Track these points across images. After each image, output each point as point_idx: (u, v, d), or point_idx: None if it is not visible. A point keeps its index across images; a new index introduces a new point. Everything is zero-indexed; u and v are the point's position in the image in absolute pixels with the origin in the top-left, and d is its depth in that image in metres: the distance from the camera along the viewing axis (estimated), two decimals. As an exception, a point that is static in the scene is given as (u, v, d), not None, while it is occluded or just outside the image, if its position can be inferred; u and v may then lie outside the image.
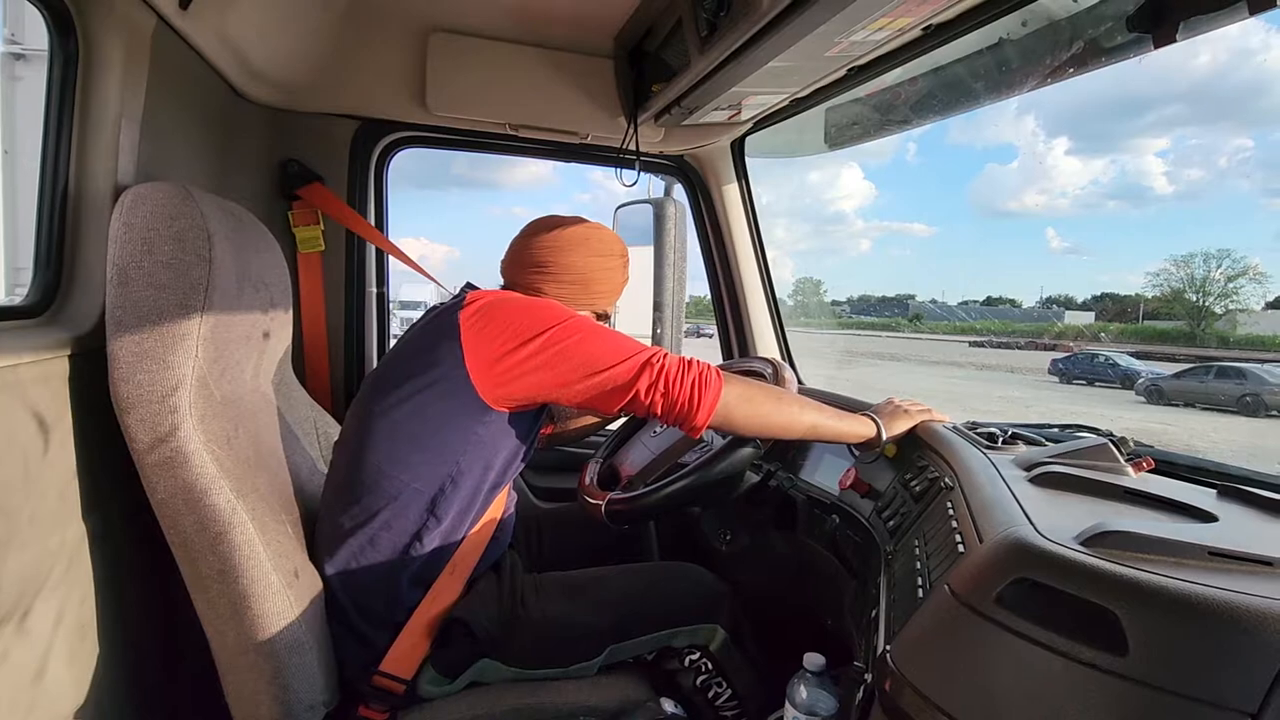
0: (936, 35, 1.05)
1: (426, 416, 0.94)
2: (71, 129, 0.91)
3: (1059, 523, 0.63)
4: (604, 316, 1.17)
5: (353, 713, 0.94)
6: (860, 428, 1.07)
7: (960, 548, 0.69)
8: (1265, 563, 0.54)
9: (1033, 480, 0.80)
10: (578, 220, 1.13)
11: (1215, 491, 0.78)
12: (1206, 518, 0.67)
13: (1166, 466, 0.90)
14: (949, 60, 1.21)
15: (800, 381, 1.70)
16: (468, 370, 0.92)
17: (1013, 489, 0.75)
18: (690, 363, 0.97)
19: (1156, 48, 0.83)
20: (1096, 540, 0.57)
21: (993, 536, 0.64)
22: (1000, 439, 1.00)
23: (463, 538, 1.00)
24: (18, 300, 0.92)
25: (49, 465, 0.80)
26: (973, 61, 1.19)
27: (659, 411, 0.95)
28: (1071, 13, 0.98)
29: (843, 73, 1.19)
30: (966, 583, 0.61)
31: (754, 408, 0.99)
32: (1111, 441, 0.86)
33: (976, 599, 0.58)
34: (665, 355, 0.95)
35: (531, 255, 1.10)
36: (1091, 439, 0.91)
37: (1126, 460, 0.84)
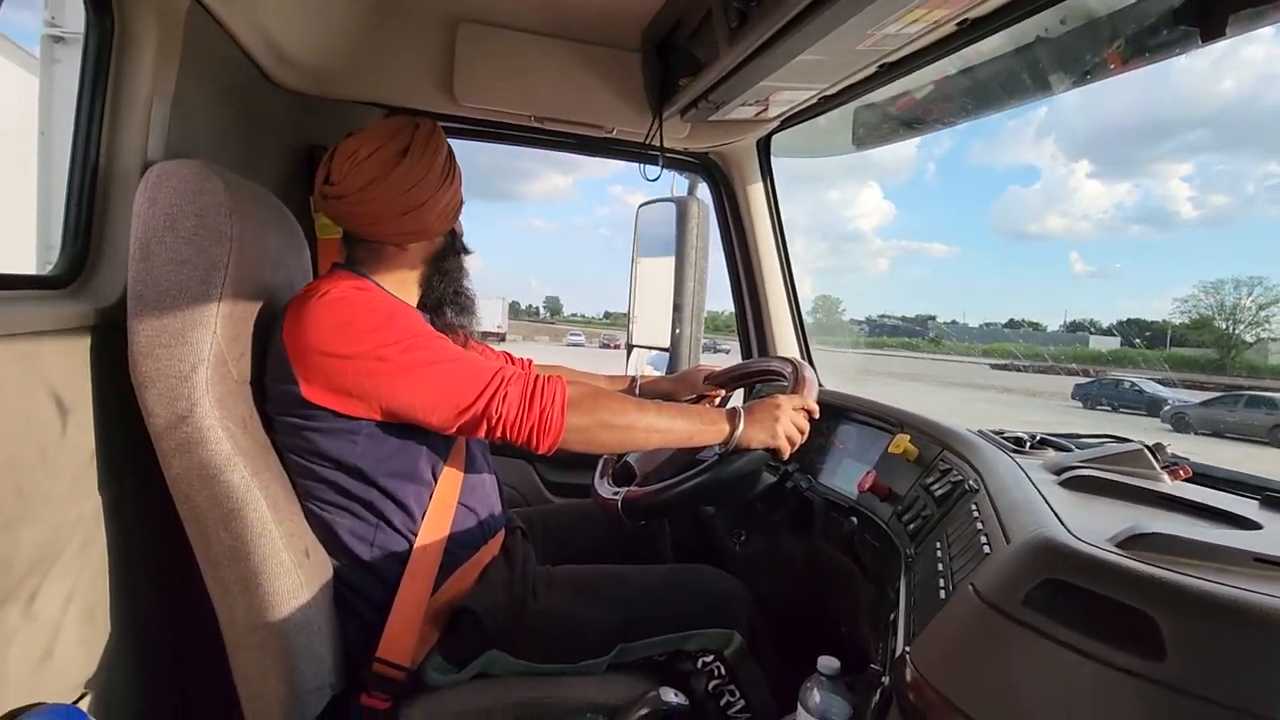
0: (971, 31, 1.02)
1: None
2: (104, 105, 0.92)
3: (1092, 524, 0.60)
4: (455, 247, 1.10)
5: (356, 699, 0.93)
6: (712, 434, 1.01)
7: (986, 549, 0.66)
8: (1315, 571, 0.51)
9: (1063, 484, 0.77)
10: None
11: (1258, 502, 0.74)
12: (1250, 525, 0.64)
13: (1204, 478, 0.86)
14: (983, 59, 1.18)
15: (820, 384, 1.67)
16: None
17: (1042, 491, 0.73)
18: (532, 400, 0.91)
19: (1204, 43, 0.80)
20: (1132, 542, 0.55)
21: (1021, 537, 0.61)
22: (1028, 444, 0.97)
23: (421, 515, 0.98)
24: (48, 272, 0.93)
25: (68, 435, 0.81)
26: (1008, 60, 1.17)
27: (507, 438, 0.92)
28: (1113, 8, 0.95)
29: (873, 69, 1.17)
30: (992, 583, 0.58)
31: (592, 436, 0.95)
32: (1146, 448, 0.83)
33: (1003, 600, 0.55)
34: (505, 397, 0.90)
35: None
36: (1126, 444, 0.87)
37: (1163, 467, 0.81)
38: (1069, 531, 0.58)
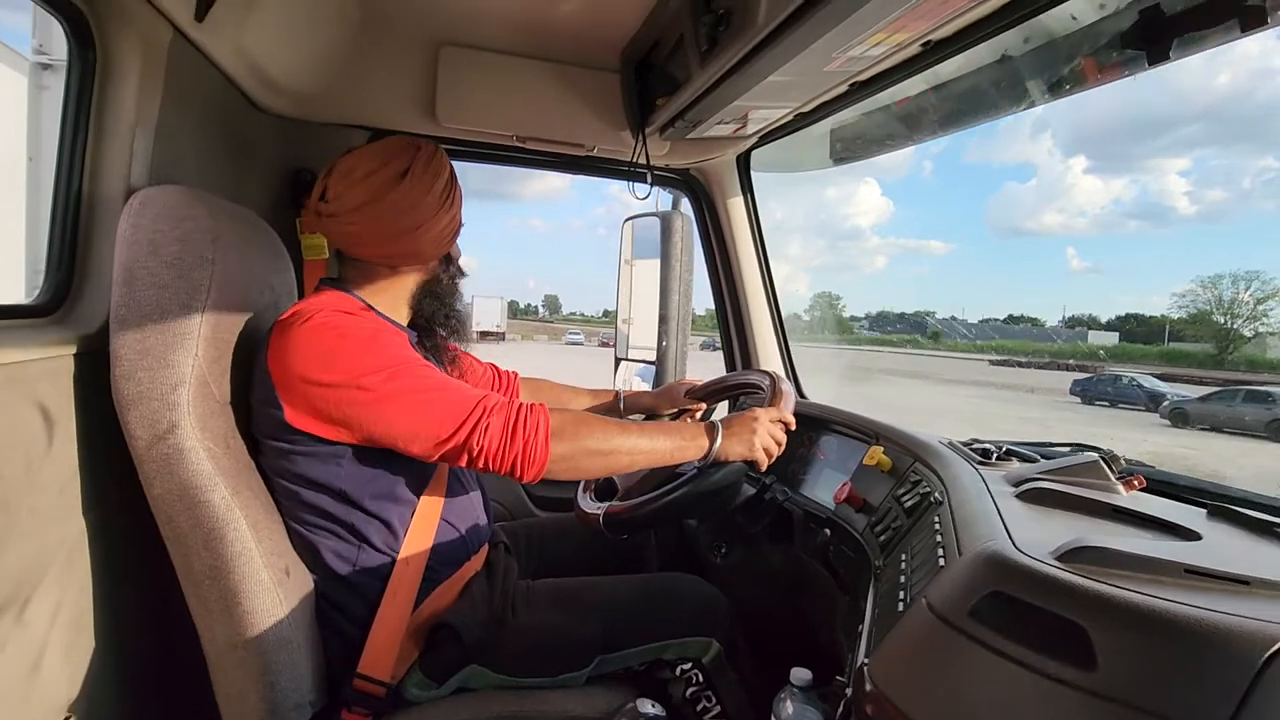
0: (936, 51, 1.05)
1: None
2: (87, 134, 0.94)
3: (1039, 537, 0.63)
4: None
5: (337, 715, 0.94)
6: (693, 449, 1.02)
7: (941, 562, 0.69)
8: (1242, 582, 0.53)
9: (1020, 496, 0.80)
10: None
11: (1205, 511, 0.76)
12: (1190, 536, 0.66)
13: (1162, 485, 0.89)
14: (952, 76, 1.21)
15: (802, 395, 1.69)
16: None
17: (998, 504, 0.75)
18: (515, 432, 0.91)
19: (1151, 66, 0.83)
20: (1072, 555, 0.57)
21: (971, 550, 0.63)
22: (994, 455, 0.99)
23: (404, 534, 0.99)
24: (31, 300, 0.95)
25: (51, 461, 0.82)
26: (977, 77, 1.20)
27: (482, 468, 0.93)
28: (1070, 30, 0.98)
29: (844, 88, 1.20)
30: (943, 597, 0.60)
31: (577, 464, 0.95)
32: (1102, 458, 0.85)
33: (951, 613, 0.58)
34: (487, 429, 0.90)
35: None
36: (1083, 456, 0.90)
37: (1117, 478, 0.83)
38: (1014, 545, 0.61)
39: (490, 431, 0.90)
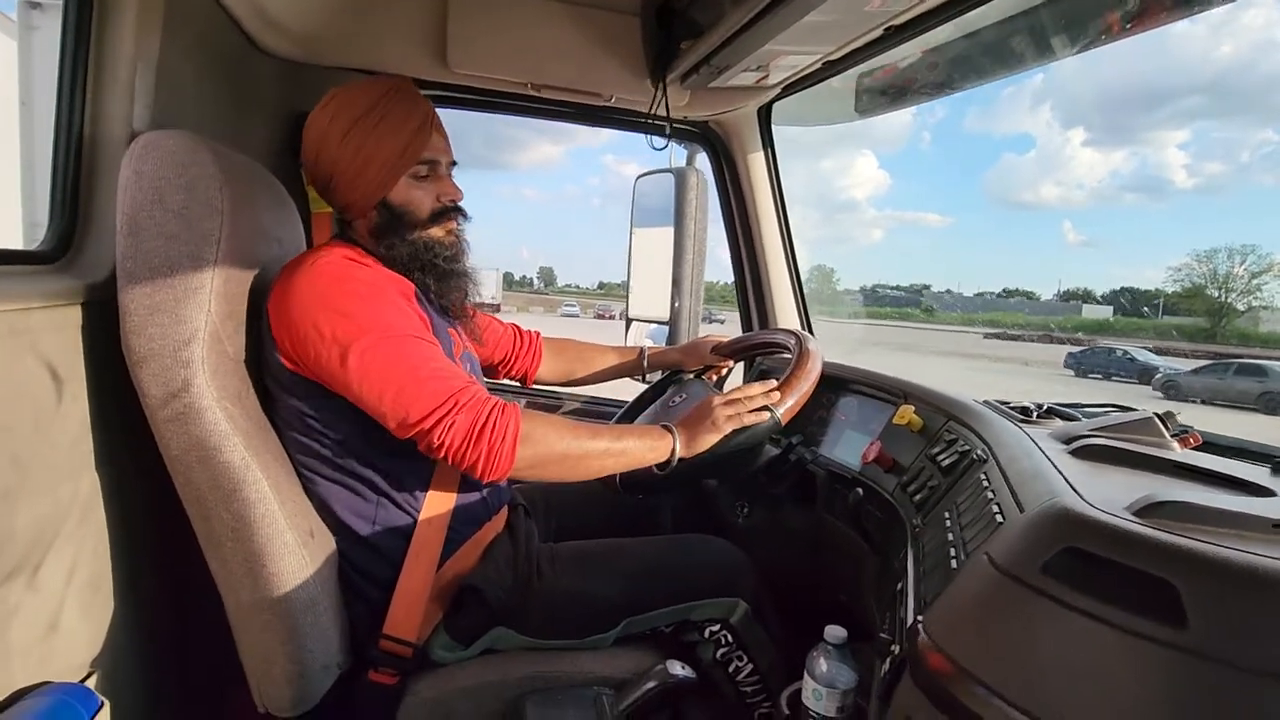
0: (982, -10, 1.00)
1: None
2: (86, 72, 0.89)
3: (1106, 493, 0.60)
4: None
5: (363, 676, 0.93)
6: (657, 452, 0.98)
7: (999, 518, 0.66)
8: (1335, 536, 0.51)
9: (1074, 453, 0.77)
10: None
11: (1269, 469, 0.74)
12: (1264, 492, 0.63)
13: (1212, 446, 0.86)
14: (993, 20, 1.15)
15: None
16: None
17: (1053, 460, 0.72)
18: (480, 434, 0.86)
19: (1218, 4, 0.78)
20: (1150, 510, 0.54)
21: (1036, 506, 0.61)
22: (1035, 413, 0.96)
23: (424, 491, 0.96)
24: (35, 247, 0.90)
25: (61, 415, 0.79)
26: (1017, 22, 1.14)
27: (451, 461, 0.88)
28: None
29: (879, 32, 1.14)
30: (1009, 552, 0.58)
31: (544, 470, 0.92)
32: (1156, 416, 0.82)
33: (1020, 569, 0.55)
34: (451, 425, 0.85)
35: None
36: (1135, 413, 0.87)
37: (1172, 435, 0.81)
38: (1085, 500, 0.58)
39: (455, 429, 0.85)
